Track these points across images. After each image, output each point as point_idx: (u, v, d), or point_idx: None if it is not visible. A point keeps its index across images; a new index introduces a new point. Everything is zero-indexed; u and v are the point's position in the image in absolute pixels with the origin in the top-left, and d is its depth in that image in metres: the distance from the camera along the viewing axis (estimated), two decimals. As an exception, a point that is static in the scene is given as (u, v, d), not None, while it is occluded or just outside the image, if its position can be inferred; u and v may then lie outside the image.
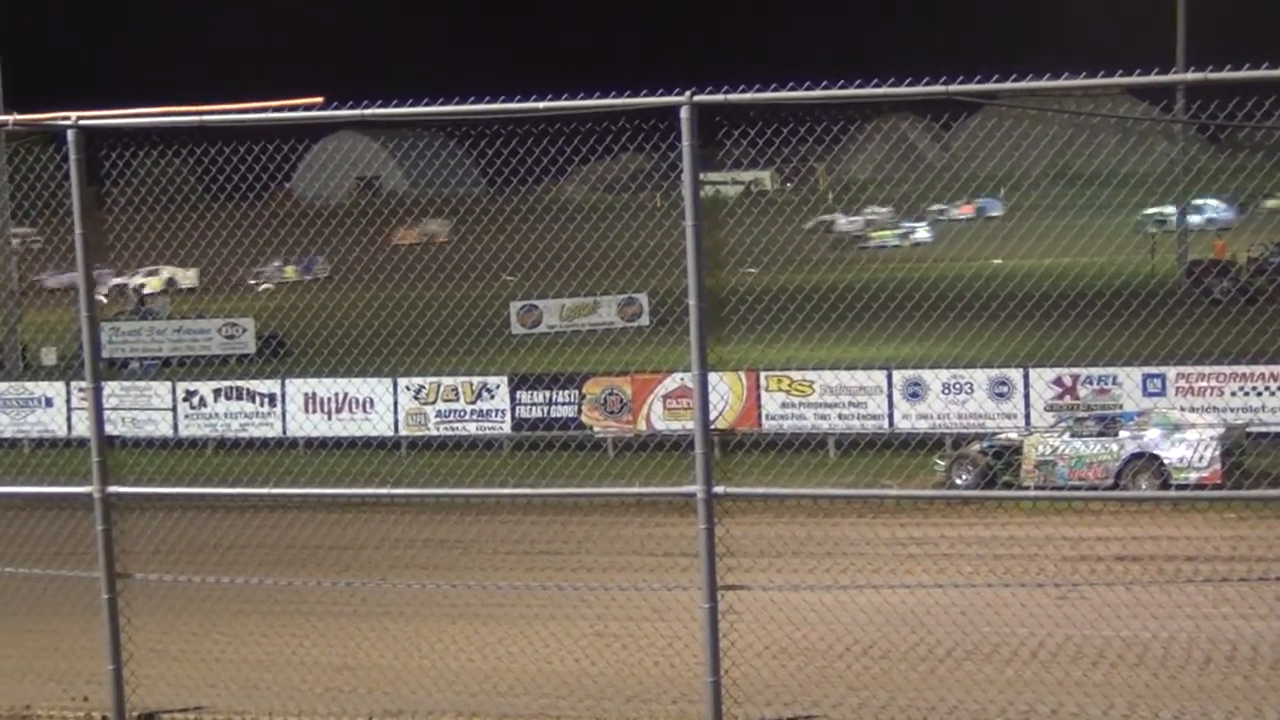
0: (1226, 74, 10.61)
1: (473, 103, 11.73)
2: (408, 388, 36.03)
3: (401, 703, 13.45)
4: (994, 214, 68.41)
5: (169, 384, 38.42)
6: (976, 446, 29.40)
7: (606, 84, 11.51)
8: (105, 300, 48.57)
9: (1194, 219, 68.80)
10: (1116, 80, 10.85)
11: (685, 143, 10.99)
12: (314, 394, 36.63)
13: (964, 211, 74.64)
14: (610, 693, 14.27)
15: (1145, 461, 27.64)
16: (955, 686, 14.09)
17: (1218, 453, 27.29)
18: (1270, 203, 55.51)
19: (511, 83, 13.24)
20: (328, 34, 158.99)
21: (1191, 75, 11.02)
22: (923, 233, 72.32)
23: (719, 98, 11.05)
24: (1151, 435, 27.98)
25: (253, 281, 58.01)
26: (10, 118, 13.87)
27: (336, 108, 12.10)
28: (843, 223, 73.59)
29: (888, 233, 73.64)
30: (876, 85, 11.09)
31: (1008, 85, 11.10)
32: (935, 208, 73.91)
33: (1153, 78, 10.98)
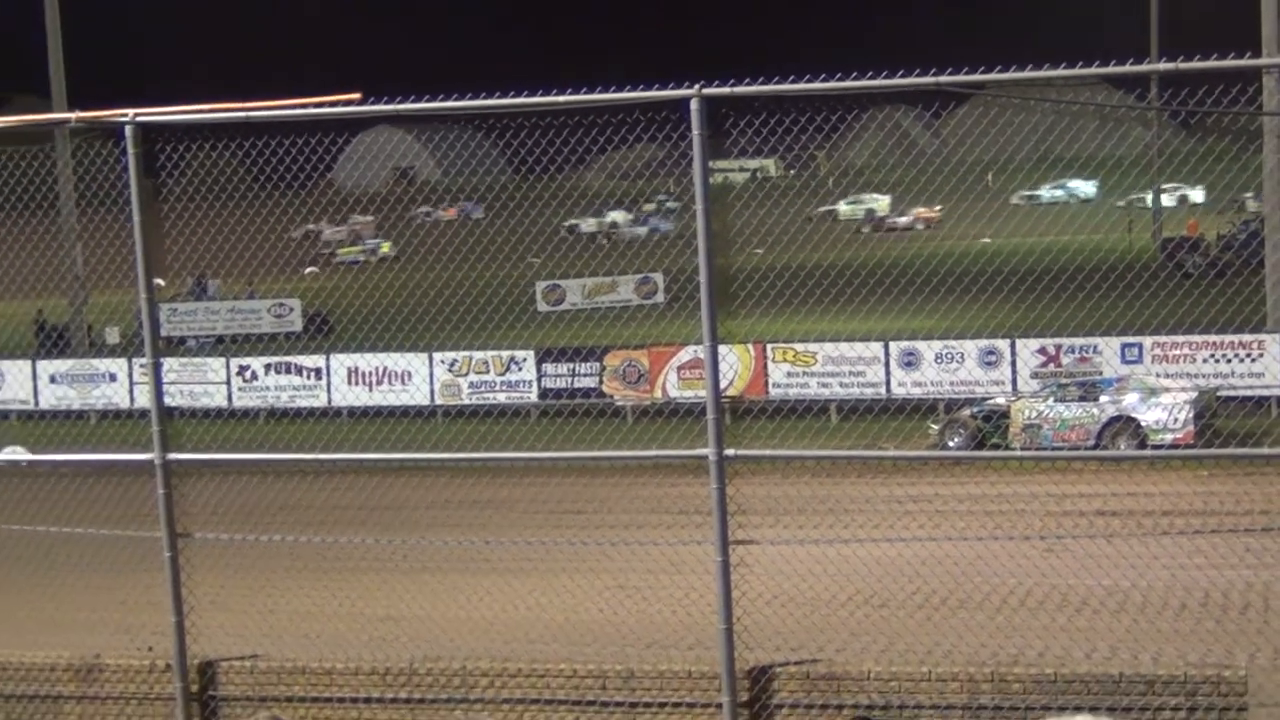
0: (1196, 64, 10.57)
1: (499, 97, 11.72)
2: (442, 361, 36.09)
3: (440, 650, 13.49)
4: (476, 216, 60.26)
5: (223, 359, 38.52)
6: (967, 411, 29.39)
7: (622, 78, 11.51)
8: (163, 283, 48.60)
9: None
10: (1095, 70, 10.81)
11: (695, 133, 10.97)
12: (356, 367, 36.71)
13: (448, 214, 65.13)
14: (631, 640, 14.32)
15: (1124, 424, 27.62)
16: (950, 632, 14.11)
17: (1190, 415, 27.27)
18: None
19: (534, 78, 13.21)
20: (362, 34, 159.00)
21: (1164, 65, 10.96)
22: (386, 247, 61.87)
23: (726, 90, 11.02)
24: (1130, 399, 27.96)
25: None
26: (73, 115, 13.86)
27: (373, 103, 12.08)
28: (328, 233, 67.25)
29: (355, 249, 64.90)
30: (872, 77, 11.05)
31: (993, 76, 11.07)
32: (421, 209, 64.43)
33: (1128, 67, 10.94)
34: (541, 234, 46.56)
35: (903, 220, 62.65)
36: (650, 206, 70.19)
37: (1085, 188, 67.49)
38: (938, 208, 57.51)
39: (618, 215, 68.96)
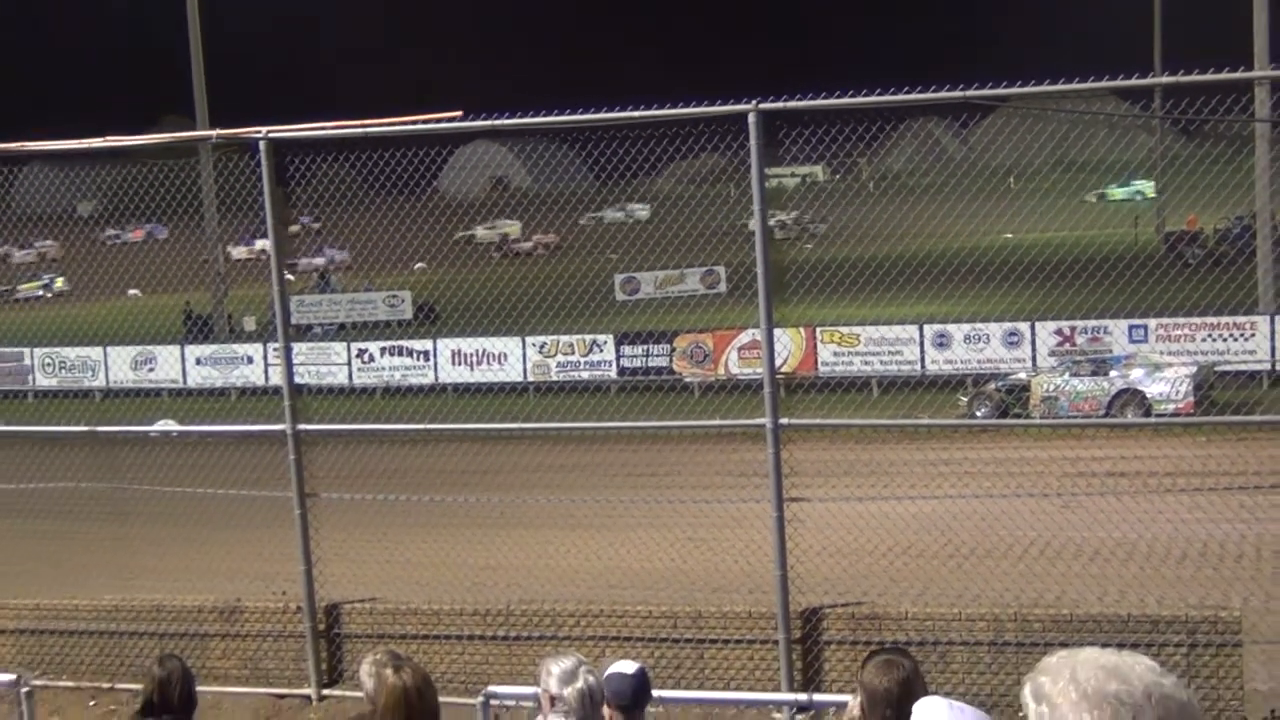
0: (1195, 77, 10.43)
1: (581, 113, 11.73)
2: (534, 344, 36.20)
3: (532, 594, 13.57)
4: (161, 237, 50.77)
5: (344, 344, 38.80)
6: (992, 385, 29.21)
7: (688, 94, 11.48)
8: (293, 278, 48.74)
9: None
10: (1105, 84, 10.69)
11: (752, 143, 10.93)
12: (459, 350, 36.88)
13: (135, 236, 54.81)
14: (699, 585, 14.33)
15: (1131, 395, 27.36)
16: (977, 578, 14.04)
17: (1190, 387, 26.99)
18: None
19: (612, 95, 13.19)
20: (459, 59, 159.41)
21: (1167, 78, 10.82)
22: (60, 283, 55.94)
23: (779, 105, 10.98)
24: (1136, 374, 27.69)
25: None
26: (214, 132, 14.00)
27: (473, 119, 12.12)
28: (18, 256, 61.48)
29: (34, 284, 58.88)
30: (908, 92, 10.98)
31: (1015, 90, 10.97)
32: (109, 232, 54.13)
33: (1134, 81, 10.81)
34: (619, 232, 46.49)
35: (526, 245, 60.08)
36: (296, 228, 62.33)
37: (641, 212, 63.17)
38: (554, 235, 55.21)
39: (245, 248, 63.24)
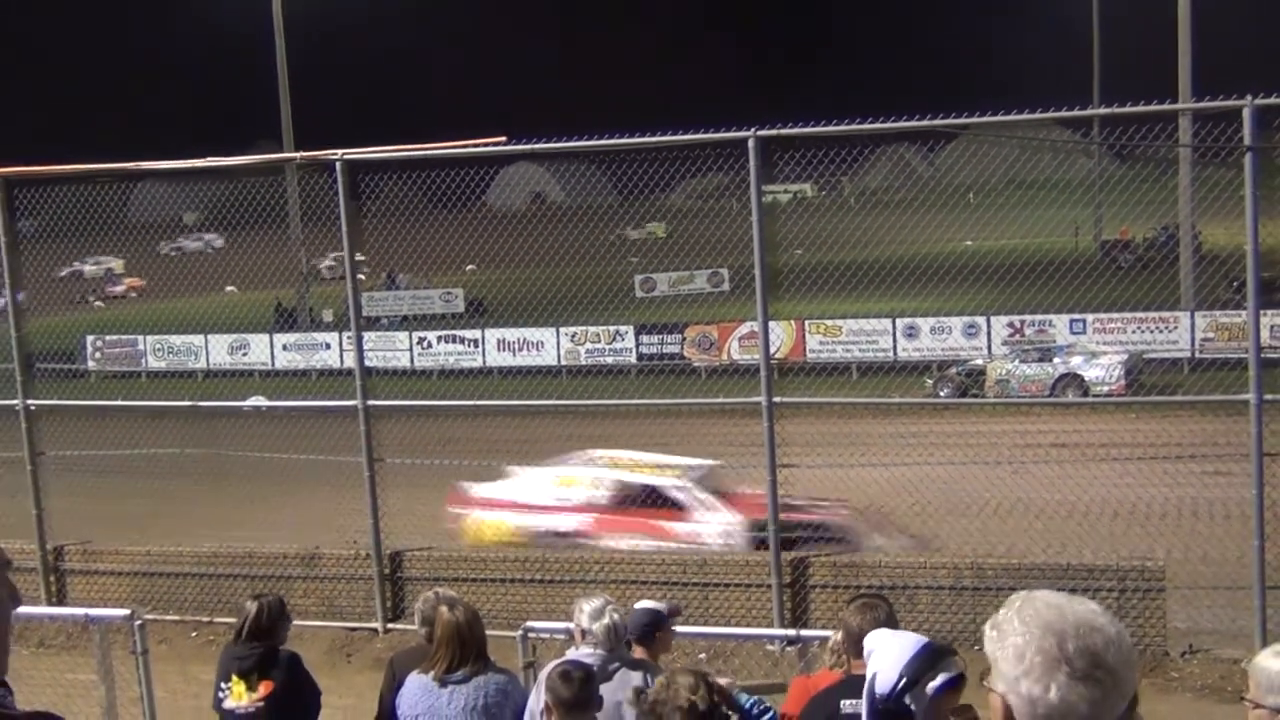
0: (1128, 109, 10.38)
1: (607, 138, 11.72)
2: (566, 333, 36.22)
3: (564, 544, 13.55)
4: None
5: (407, 333, 38.85)
6: (954, 370, 29.16)
7: (699, 120, 11.46)
8: (364, 278, 48.63)
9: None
10: (1050, 114, 10.65)
11: (751, 164, 10.92)
12: (504, 338, 36.92)
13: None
14: (705, 537, 14.27)
15: (1072, 379, 27.30)
16: (939, 532, 14.00)
17: (1122, 372, 26.92)
18: None
19: (629, 121, 13.18)
20: (500, 92, 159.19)
21: (1104, 110, 10.78)
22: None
23: (774, 132, 10.95)
24: (1076, 360, 27.63)
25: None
26: (298, 155, 14.00)
27: (515, 143, 12.11)
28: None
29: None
30: (884, 121, 10.95)
31: (974, 120, 10.92)
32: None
33: (1076, 112, 10.76)
34: (640, 240, 46.50)
35: (119, 288, 54.32)
36: None
37: (217, 242, 54.59)
38: (143, 280, 50.97)
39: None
